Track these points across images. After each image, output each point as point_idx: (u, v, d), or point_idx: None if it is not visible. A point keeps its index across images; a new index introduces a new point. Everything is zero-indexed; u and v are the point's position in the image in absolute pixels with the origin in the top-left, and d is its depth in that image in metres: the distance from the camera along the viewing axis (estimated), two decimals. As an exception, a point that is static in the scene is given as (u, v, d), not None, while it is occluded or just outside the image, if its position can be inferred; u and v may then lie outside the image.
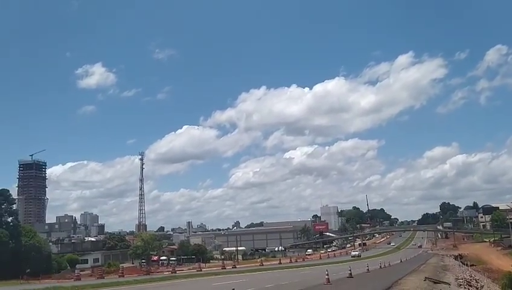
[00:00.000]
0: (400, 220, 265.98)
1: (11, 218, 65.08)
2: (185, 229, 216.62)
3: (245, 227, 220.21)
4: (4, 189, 68.06)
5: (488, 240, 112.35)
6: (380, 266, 42.50)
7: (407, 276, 28.29)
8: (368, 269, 34.06)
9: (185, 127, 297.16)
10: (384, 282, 23.19)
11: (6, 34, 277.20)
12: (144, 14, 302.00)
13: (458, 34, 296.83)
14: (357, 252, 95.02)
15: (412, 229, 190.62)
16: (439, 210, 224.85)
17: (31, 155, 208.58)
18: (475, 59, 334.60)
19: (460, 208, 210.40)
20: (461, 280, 30.63)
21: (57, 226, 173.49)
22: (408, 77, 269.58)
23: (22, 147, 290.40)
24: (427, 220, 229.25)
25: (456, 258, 66.84)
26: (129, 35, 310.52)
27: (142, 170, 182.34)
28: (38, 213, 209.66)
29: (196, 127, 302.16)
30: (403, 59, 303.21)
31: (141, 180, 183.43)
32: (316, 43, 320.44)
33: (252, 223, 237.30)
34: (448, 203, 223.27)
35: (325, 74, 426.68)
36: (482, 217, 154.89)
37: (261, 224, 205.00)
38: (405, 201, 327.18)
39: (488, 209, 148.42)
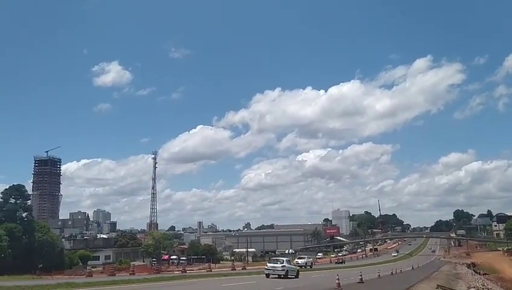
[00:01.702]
0: (412, 227, 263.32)
1: (25, 213, 65.70)
2: (196, 229, 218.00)
3: (256, 229, 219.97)
4: (20, 184, 68.70)
5: (501, 249, 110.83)
6: (392, 273, 42.08)
7: (419, 283, 27.96)
8: (379, 275, 33.75)
9: (199, 127, 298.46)
10: (395, 289, 22.95)
11: (24, 30, 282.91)
12: (160, 13, 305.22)
13: (477, 38, 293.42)
14: (304, 260, 61.03)
15: (424, 236, 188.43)
16: (452, 217, 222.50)
17: (47, 151, 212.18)
18: (494, 64, 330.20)
19: (474, 215, 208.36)
20: (473, 289, 30.17)
21: (70, 222, 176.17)
22: (425, 81, 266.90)
23: (37, 144, 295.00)
24: (440, 227, 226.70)
25: (468, 266, 65.95)
26: (145, 33, 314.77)
27: (155, 168, 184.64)
28: (52, 209, 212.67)
29: (210, 127, 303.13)
30: (421, 63, 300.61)
31: (154, 179, 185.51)
32: (333, 46, 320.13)
33: (263, 225, 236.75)
34: (462, 210, 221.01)
35: (341, 76, 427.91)
36: (495, 226, 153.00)
37: (272, 226, 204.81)
38: (418, 207, 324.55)
39: (502, 218, 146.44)
